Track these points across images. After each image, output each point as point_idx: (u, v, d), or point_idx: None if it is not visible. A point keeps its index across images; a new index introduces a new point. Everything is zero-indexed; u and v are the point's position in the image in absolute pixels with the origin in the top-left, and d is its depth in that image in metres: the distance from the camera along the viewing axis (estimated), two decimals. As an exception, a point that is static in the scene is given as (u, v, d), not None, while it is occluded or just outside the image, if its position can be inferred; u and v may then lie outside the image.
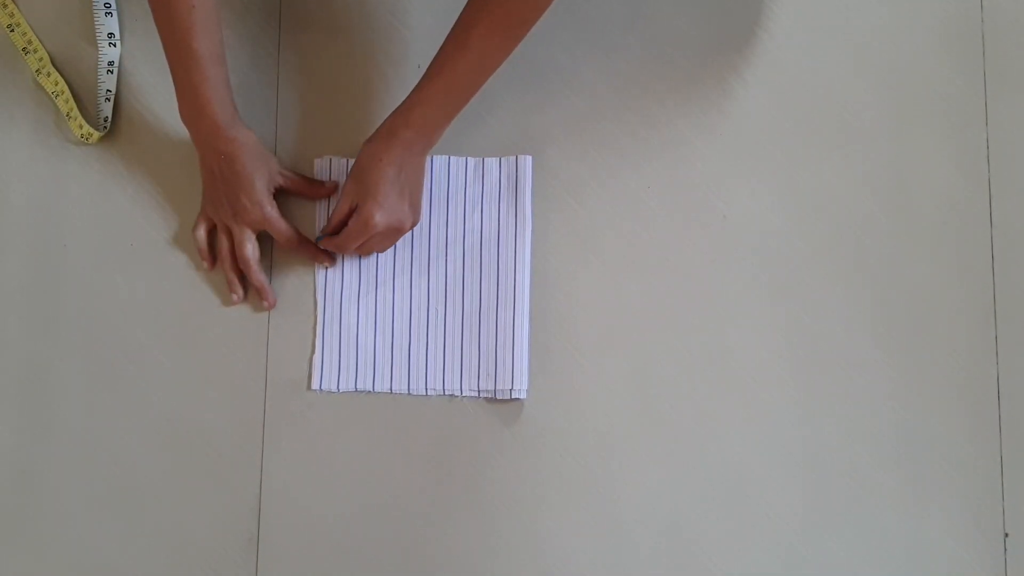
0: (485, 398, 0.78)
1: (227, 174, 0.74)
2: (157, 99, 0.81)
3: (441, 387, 0.78)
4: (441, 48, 0.70)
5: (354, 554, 0.77)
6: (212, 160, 0.74)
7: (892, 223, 0.80)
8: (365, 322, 0.79)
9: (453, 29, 0.70)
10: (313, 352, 0.78)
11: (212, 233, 0.79)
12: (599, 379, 0.78)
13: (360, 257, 0.79)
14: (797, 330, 0.79)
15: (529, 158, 0.79)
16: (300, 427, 0.78)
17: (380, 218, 0.73)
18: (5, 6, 0.82)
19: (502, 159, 0.80)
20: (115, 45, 0.81)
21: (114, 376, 0.79)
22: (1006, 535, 0.77)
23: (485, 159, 0.80)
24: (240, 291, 0.78)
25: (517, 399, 0.77)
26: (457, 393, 0.78)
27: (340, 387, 0.78)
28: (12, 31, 0.82)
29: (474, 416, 0.78)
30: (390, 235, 0.76)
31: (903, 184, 0.80)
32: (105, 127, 0.80)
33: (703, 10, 0.81)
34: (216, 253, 0.79)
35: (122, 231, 0.80)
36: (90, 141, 0.80)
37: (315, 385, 0.78)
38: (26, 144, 0.81)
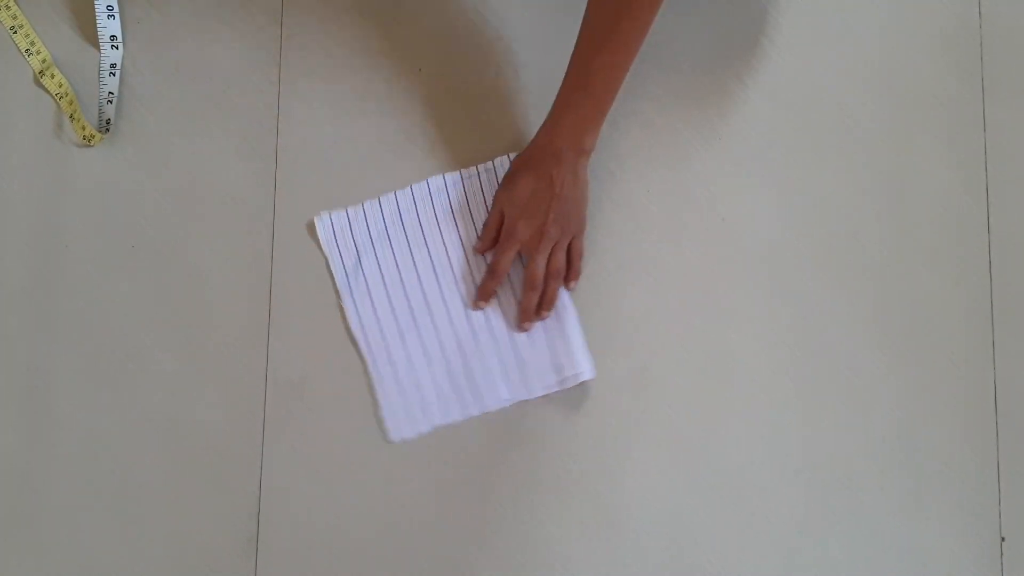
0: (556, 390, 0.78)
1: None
2: (159, 101, 0.81)
3: (510, 395, 0.78)
4: (575, 52, 0.71)
5: (353, 555, 0.77)
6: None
7: (890, 227, 0.80)
8: (416, 357, 0.78)
9: (581, 34, 0.70)
10: (378, 406, 0.78)
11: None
12: (599, 381, 0.79)
13: (390, 301, 0.79)
14: (796, 333, 0.79)
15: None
16: (299, 428, 0.79)
17: (523, 227, 0.74)
18: (8, 8, 0.82)
19: (508, 155, 0.80)
20: (117, 48, 0.81)
21: (115, 377, 0.79)
22: (1002, 539, 0.77)
23: (494, 159, 0.80)
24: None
25: (586, 380, 0.77)
26: (529, 397, 0.78)
27: (418, 431, 0.78)
28: (15, 33, 0.82)
29: (471, 420, 0.78)
30: (547, 244, 0.75)
31: (902, 189, 0.80)
32: (107, 129, 0.81)
33: (704, 15, 0.81)
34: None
35: (123, 232, 0.80)
36: (92, 143, 0.81)
37: (394, 437, 0.78)
38: (28, 146, 0.81)
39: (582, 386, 0.78)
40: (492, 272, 0.77)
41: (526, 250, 0.76)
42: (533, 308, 0.77)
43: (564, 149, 0.73)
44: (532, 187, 0.74)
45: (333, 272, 0.79)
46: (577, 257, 0.78)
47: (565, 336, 0.77)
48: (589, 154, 0.75)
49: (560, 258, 0.76)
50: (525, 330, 0.77)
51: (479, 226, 0.79)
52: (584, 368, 0.77)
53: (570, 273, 0.78)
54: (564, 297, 0.78)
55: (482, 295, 0.78)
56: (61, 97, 0.81)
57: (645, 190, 0.80)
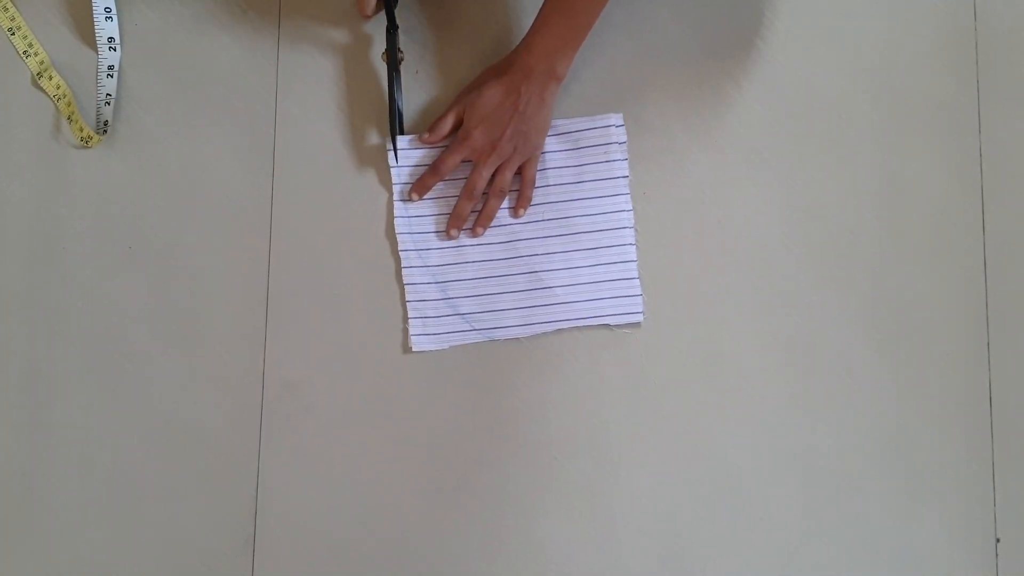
0: (602, 325, 0.79)
1: None
2: (156, 103, 0.81)
3: (554, 320, 0.79)
4: None
5: (350, 555, 0.78)
6: None
7: (886, 229, 0.80)
8: (455, 274, 0.79)
9: None
10: (406, 316, 0.79)
11: None
12: (594, 382, 0.79)
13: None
14: (792, 335, 0.79)
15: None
16: (297, 428, 0.79)
17: (479, 135, 0.75)
18: (6, 9, 0.82)
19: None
20: (115, 49, 0.82)
21: (112, 378, 0.79)
22: (998, 540, 0.78)
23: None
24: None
25: (636, 323, 0.79)
26: (568, 326, 0.79)
27: (439, 346, 0.79)
28: (13, 34, 0.82)
29: (470, 419, 0.79)
30: (498, 157, 0.75)
31: (897, 191, 0.80)
32: (105, 131, 0.81)
33: (700, 16, 0.81)
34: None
35: (120, 234, 0.81)
36: (90, 145, 0.81)
37: (416, 348, 0.79)
38: (26, 147, 0.81)
39: (577, 388, 0.79)
40: (435, 169, 0.78)
41: (476, 158, 0.77)
42: (465, 216, 0.78)
43: (536, 68, 0.74)
44: (498, 99, 0.75)
45: (393, 184, 0.80)
46: (528, 184, 0.78)
47: (621, 279, 0.79)
48: (560, 81, 0.75)
49: (507, 177, 0.77)
50: (452, 237, 0.79)
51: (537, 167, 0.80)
52: (635, 310, 0.79)
53: (520, 200, 0.78)
54: (628, 239, 0.79)
55: (418, 188, 0.79)
56: (59, 99, 0.81)
57: (641, 193, 0.80)
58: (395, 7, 0.76)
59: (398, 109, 0.78)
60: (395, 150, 0.79)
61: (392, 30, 0.76)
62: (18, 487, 0.79)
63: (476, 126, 0.75)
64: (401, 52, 0.78)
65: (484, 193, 0.78)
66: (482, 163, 0.76)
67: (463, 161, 0.78)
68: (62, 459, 0.79)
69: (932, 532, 0.78)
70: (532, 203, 0.79)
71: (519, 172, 0.78)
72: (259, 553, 0.78)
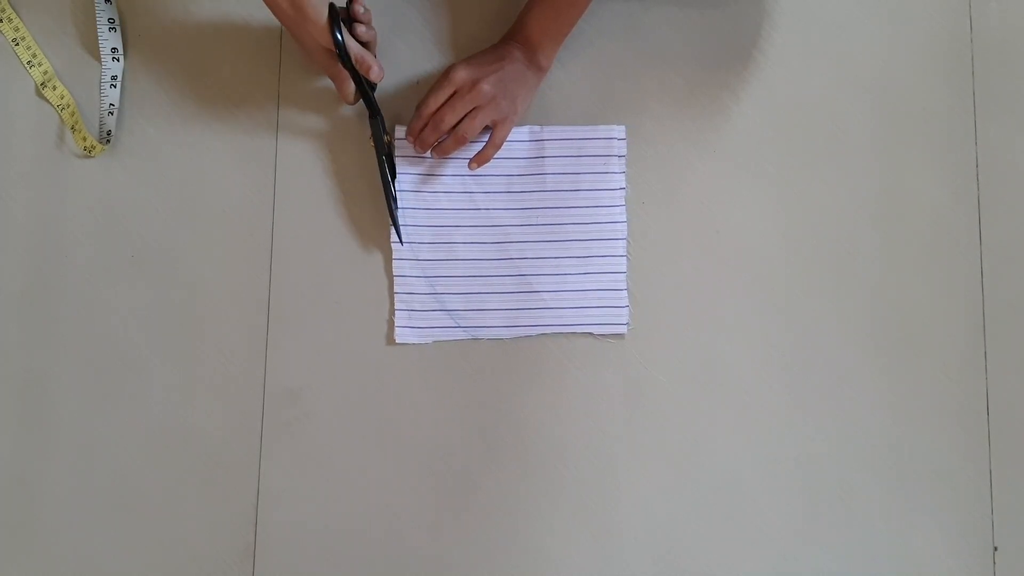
0: (590, 334, 0.80)
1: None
2: (159, 113, 0.82)
3: (539, 324, 0.80)
4: None
5: (350, 563, 0.78)
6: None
7: (883, 239, 0.80)
8: (445, 270, 0.80)
9: None
10: (392, 307, 0.80)
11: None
12: (592, 389, 0.79)
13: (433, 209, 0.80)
14: (789, 343, 0.79)
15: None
16: (297, 436, 0.79)
17: (463, 71, 0.74)
18: (10, 20, 0.83)
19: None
20: (118, 60, 0.82)
21: (113, 385, 0.80)
22: (995, 549, 0.78)
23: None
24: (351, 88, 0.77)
25: (620, 334, 0.79)
26: (552, 331, 0.79)
27: (422, 339, 0.79)
28: (17, 45, 0.83)
29: (468, 427, 0.79)
30: (474, 98, 0.75)
31: (894, 201, 0.81)
32: (108, 140, 0.81)
33: (698, 28, 0.82)
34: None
35: (123, 242, 0.81)
36: (93, 154, 0.81)
37: (400, 339, 0.79)
38: (29, 156, 0.82)
39: (575, 395, 0.79)
40: (419, 113, 0.77)
41: (455, 96, 0.76)
42: (429, 143, 0.77)
43: (517, 51, 0.76)
44: (486, 55, 0.77)
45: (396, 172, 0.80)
46: (493, 146, 0.78)
47: (610, 289, 0.80)
48: (541, 72, 0.78)
49: (475, 125, 0.76)
50: (409, 143, 0.78)
51: (536, 171, 0.81)
52: (621, 321, 0.79)
53: (479, 155, 0.78)
54: (619, 251, 0.80)
55: (419, 144, 0.78)
56: (63, 109, 0.82)
57: (640, 202, 0.81)
58: (373, 92, 0.76)
59: (392, 193, 0.78)
60: (398, 230, 0.79)
61: (374, 116, 0.77)
62: (19, 495, 0.79)
63: (461, 68, 0.75)
64: (388, 135, 0.78)
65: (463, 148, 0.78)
66: (458, 97, 0.75)
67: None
68: (63, 467, 0.79)
69: (930, 541, 0.78)
70: (526, 207, 0.80)
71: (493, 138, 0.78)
72: (259, 562, 0.78)
